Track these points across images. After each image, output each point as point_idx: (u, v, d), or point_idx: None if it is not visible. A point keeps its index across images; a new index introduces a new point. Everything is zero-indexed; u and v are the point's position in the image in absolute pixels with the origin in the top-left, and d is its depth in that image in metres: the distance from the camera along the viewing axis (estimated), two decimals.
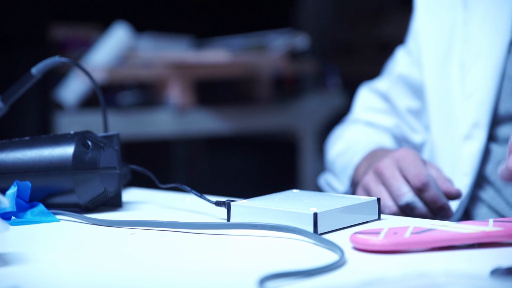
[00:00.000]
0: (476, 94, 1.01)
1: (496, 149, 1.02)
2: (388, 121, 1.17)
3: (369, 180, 0.92)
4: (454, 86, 1.05)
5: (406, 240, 0.65)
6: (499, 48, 1.00)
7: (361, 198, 0.78)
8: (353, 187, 1.05)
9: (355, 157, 1.06)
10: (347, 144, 1.14)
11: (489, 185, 1.03)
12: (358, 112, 1.22)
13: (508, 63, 1.00)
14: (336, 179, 1.12)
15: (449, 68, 1.06)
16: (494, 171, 1.02)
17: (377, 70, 1.33)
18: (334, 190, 1.12)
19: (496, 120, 1.02)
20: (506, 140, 1.01)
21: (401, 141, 1.17)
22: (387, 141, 1.13)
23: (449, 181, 0.91)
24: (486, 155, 1.03)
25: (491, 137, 1.03)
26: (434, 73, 1.08)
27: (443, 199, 0.88)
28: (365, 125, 1.19)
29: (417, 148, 1.16)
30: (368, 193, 0.92)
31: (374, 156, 1.01)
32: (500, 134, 1.02)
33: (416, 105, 1.15)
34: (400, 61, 1.18)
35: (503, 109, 1.01)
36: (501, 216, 1.01)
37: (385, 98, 1.19)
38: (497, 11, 1.02)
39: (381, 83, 1.21)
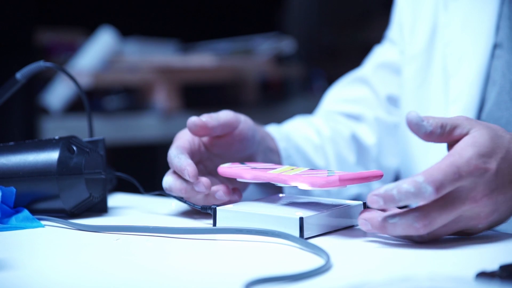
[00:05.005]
0: (461, 100, 1.01)
1: None
2: (368, 112, 1.14)
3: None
4: (436, 92, 1.05)
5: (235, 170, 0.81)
6: (483, 52, 1.00)
7: (347, 202, 0.78)
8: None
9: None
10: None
11: None
12: (331, 104, 1.18)
13: (492, 68, 1.00)
14: None
15: (431, 73, 1.06)
16: None
17: None
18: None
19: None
20: None
21: (380, 127, 1.13)
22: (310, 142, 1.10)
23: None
24: None
25: None
26: (414, 79, 1.08)
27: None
28: (342, 116, 1.15)
29: (395, 128, 1.14)
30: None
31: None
32: None
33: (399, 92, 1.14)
34: (382, 50, 1.16)
35: (486, 114, 1.01)
36: None
37: (365, 82, 1.15)
38: (478, 14, 1.01)
39: (360, 71, 1.18)
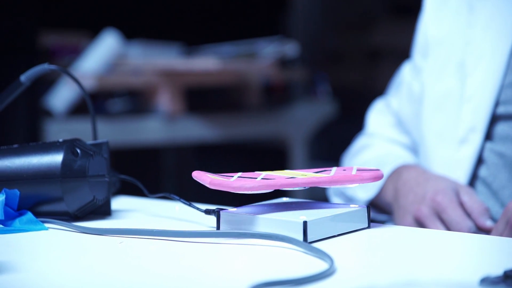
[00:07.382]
0: (475, 98, 1.02)
1: (491, 149, 1.02)
2: (404, 138, 1.18)
3: (424, 214, 0.95)
4: (452, 89, 1.05)
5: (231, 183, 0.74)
6: (502, 52, 1.00)
7: (350, 207, 0.78)
8: (379, 201, 1.07)
9: (385, 168, 1.06)
10: (375, 155, 1.13)
11: (484, 186, 1.02)
12: (376, 127, 1.21)
13: (510, 68, 1.01)
14: (358, 187, 1.10)
15: (448, 71, 1.06)
16: (489, 173, 1.02)
17: (366, 78, 1.34)
18: (351, 200, 1.10)
19: (493, 119, 1.02)
20: (501, 139, 1.01)
21: None
22: (410, 158, 1.13)
23: (483, 213, 0.95)
24: (481, 156, 1.03)
25: (487, 136, 1.02)
26: (433, 76, 1.08)
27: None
28: (386, 140, 1.18)
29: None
30: (422, 226, 0.95)
31: (399, 177, 1.02)
32: (497, 132, 1.02)
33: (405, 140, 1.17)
34: (397, 98, 1.19)
35: (502, 110, 1.01)
36: (494, 219, 1.00)
37: (397, 116, 1.19)
38: (501, 15, 1.02)
39: (393, 101, 1.20)
